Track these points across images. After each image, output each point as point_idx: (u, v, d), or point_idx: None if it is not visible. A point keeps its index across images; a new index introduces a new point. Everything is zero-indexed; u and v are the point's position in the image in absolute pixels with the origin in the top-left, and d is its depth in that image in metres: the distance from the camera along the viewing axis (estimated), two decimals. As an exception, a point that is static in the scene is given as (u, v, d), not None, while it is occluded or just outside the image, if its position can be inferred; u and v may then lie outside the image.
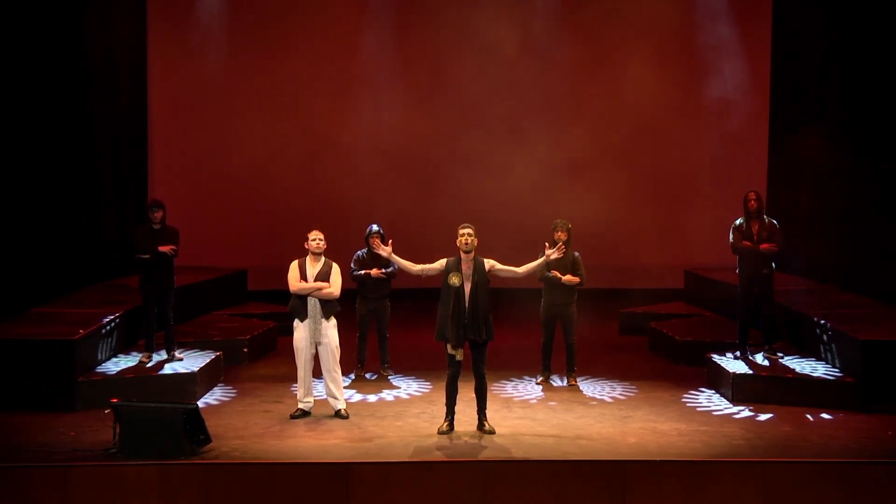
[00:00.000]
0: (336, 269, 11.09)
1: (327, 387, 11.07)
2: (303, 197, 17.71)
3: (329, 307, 11.02)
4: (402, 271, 10.73)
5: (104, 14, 15.78)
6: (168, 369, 11.95)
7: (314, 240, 11.06)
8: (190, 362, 12.18)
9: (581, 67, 17.80)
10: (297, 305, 11.03)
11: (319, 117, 17.84)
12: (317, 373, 11.15)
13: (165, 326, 12.27)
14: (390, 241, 10.60)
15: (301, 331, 11.02)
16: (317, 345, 11.02)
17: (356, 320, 12.73)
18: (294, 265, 11.09)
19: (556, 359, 12.60)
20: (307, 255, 11.07)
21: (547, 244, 10.51)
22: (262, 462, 9.47)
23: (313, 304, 10.98)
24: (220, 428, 10.39)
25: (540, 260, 10.52)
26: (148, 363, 12.11)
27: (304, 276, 11.01)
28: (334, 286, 11.02)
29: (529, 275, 10.62)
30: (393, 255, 10.43)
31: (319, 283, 10.97)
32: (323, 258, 11.08)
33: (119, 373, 11.80)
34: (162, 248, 12.01)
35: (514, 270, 10.44)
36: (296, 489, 9.11)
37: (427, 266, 10.42)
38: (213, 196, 17.84)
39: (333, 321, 11.07)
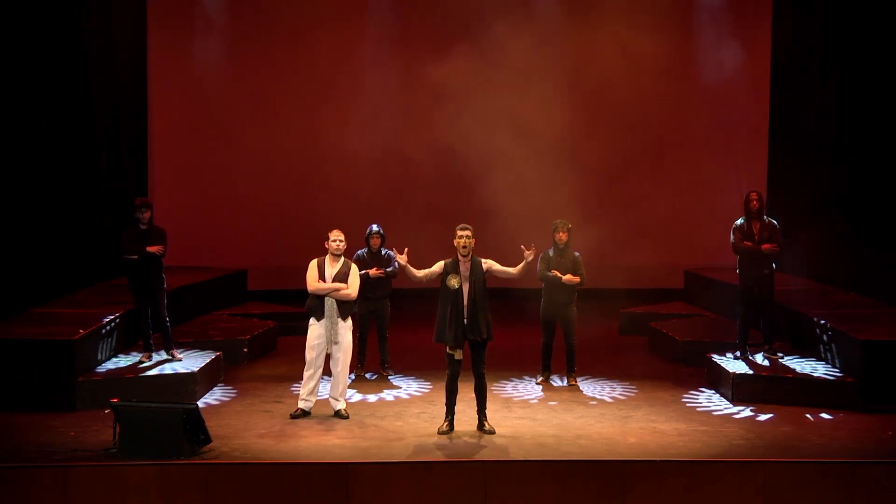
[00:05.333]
0: (354, 270, 11.08)
1: (333, 387, 11.06)
2: (303, 197, 17.70)
3: (345, 308, 11.00)
4: (402, 272, 10.71)
5: (104, 13, 15.77)
6: (168, 369, 11.94)
7: (335, 240, 11.03)
8: (190, 362, 12.17)
9: (583, 68, 17.78)
10: (314, 305, 11.00)
11: (319, 117, 17.82)
12: (323, 372, 11.13)
13: (161, 326, 12.25)
14: (405, 249, 10.49)
15: (317, 329, 11.00)
16: (332, 344, 11.01)
17: (356, 320, 12.71)
18: (313, 264, 11.05)
19: (556, 359, 12.60)
20: (327, 254, 11.05)
21: (523, 246, 10.45)
22: (262, 462, 9.46)
23: (330, 304, 10.96)
24: (220, 428, 10.38)
25: (523, 263, 10.35)
26: (147, 363, 12.11)
27: (322, 276, 10.98)
28: (351, 287, 10.99)
29: (523, 274, 10.54)
30: (408, 265, 10.35)
31: (337, 284, 10.94)
32: (342, 258, 11.05)
33: (119, 373, 11.80)
34: (150, 249, 11.98)
35: (510, 271, 10.43)
36: (296, 489, 9.10)
37: (428, 271, 10.43)
38: (214, 196, 17.83)
39: (349, 322, 11.06)
